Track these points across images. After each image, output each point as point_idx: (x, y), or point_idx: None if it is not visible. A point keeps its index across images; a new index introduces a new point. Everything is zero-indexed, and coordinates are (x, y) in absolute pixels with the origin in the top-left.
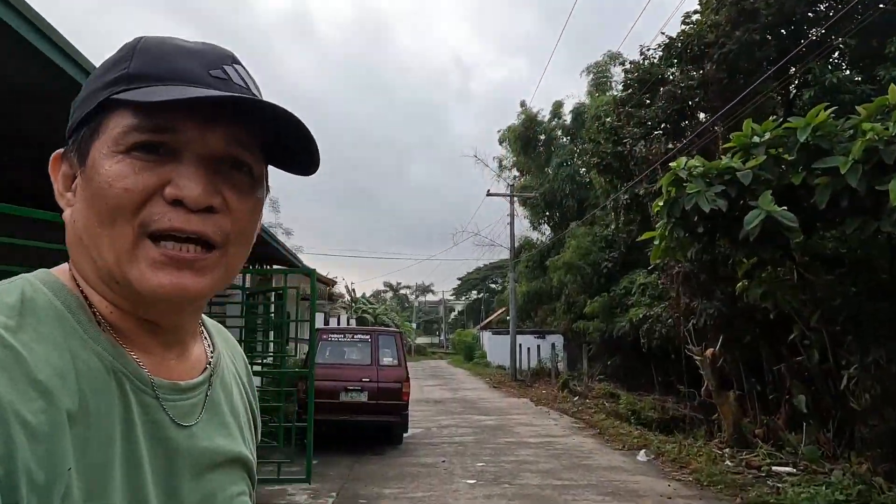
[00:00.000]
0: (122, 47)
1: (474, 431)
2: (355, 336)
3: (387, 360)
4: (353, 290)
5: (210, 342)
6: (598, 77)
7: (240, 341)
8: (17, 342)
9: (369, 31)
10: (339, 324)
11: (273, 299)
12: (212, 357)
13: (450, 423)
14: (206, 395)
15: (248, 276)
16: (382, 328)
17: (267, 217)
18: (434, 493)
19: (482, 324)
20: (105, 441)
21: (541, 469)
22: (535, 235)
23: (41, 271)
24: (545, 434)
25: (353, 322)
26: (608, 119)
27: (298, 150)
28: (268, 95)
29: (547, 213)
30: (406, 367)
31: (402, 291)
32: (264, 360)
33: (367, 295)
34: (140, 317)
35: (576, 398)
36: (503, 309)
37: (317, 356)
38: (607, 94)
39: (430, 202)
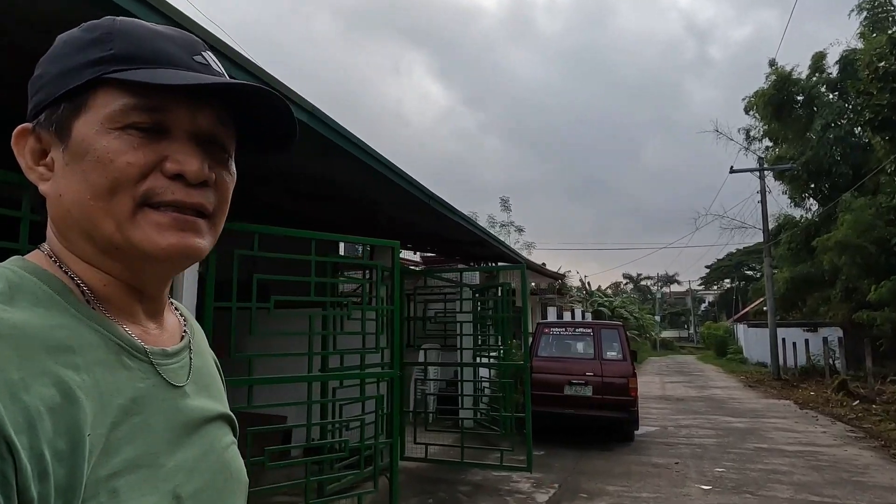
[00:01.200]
0: (92, 27)
1: (718, 434)
2: (576, 329)
3: (611, 354)
4: (588, 283)
5: (180, 314)
6: (876, 11)
7: (463, 335)
8: (19, 321)
9: (589, 16)
10: (573, 318)
11: (499, 295)
12: (186, 327)
13: (690, 423)
14: (190, 360)
15: (474, 274)
16: (605, 322)
17: (499, 216)
18: (661, 496)
19: (736, 315)
20: (114, 405)
21: (795, 481)
22: (797, 212)
23: (16, 259)
24: (808, 442)
25: (588, 316)
26: (882, 64)
27: (276, 132)
28: (493, 97)
29: (812, 186)
30: (632, 362)
31: (644, 282)
32: (490, 354)
33: (604, 287)
34: (132, 285)
35: (856, 402)
36: (761, 299)
37: (540, 349)
38: (889, 32)
39: (666, 186)
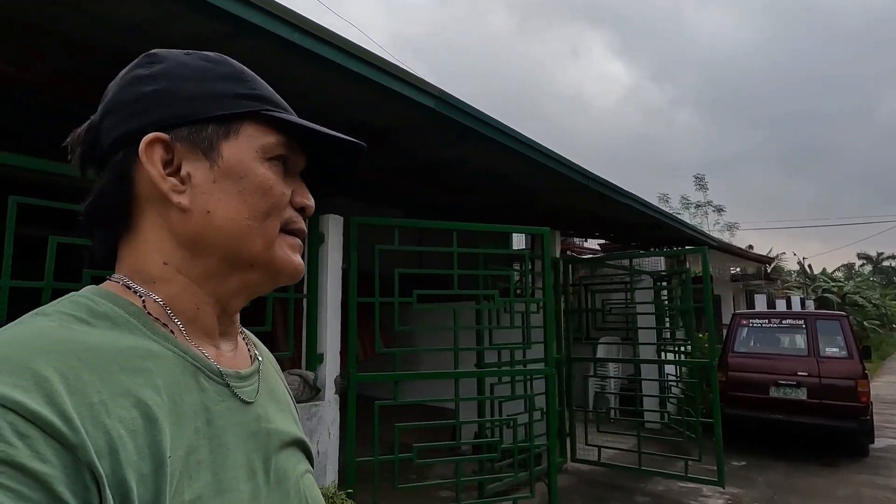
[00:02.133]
0: (214, 60)
1: None
2: (784, 321)
3: (831, 350)
4: (809, 265)
5: (247, 340)
6: None
7: (642, 329)
8: (95, 343)
9: None
10: (789, 307)
11: (682, 282)
12: (256, 352)
13: None
14: (258, 384)
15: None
16: (822, 311)
17: (694, 196)
18: None
19: None
20: (192, 427)
21: None
22: None
23: (90, 287)
24: None
25: (809, 304)
26: None
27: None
28: (683, 68)
29: None
30: (862, 361)
31: (887, 262)
32: (677, 349)
33: (831, 270)
34: (219, 305)
35: None
36: None
37: (738, 344)
38: None
39: None
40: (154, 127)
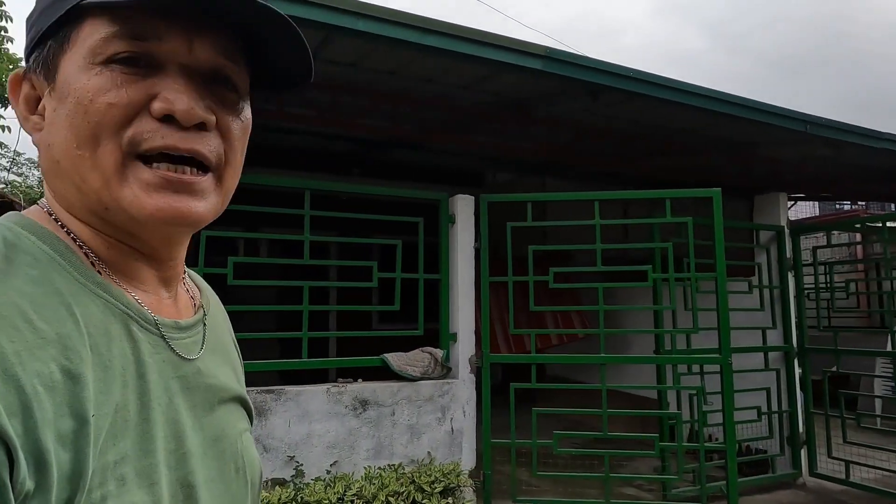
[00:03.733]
0: None
1: None
2: None
3: None
4: None
5: (193, 284)
6: None
7: None
8: (13, 286)
9: None
10: None
11: None
12: (200, 299)
13: None
14: (203, 336)
15: None
16: None
17: None
18: None
19: None
20: (120, 382)
21: None
22: None
23: (12, 214)
24: None
25: None
26: None
27: (286, 61)
28: None
29: None
30: None
31: None
32: None
33: None
34: (136, 249)
35: None
36: None
37: None
38: None
39: None
40: (25, 60)
